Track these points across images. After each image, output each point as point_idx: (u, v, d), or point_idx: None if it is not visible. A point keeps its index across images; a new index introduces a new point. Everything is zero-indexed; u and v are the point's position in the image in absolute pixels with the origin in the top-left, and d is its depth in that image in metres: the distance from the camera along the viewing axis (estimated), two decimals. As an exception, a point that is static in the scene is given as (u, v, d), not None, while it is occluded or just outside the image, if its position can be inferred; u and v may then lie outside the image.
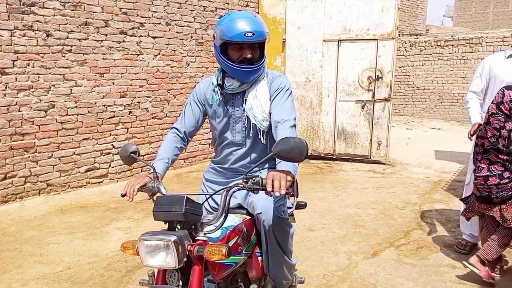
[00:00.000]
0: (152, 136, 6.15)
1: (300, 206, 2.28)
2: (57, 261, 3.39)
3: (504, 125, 2.80)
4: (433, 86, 12.57)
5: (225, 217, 1.64)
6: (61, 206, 4.76)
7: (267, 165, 2.14)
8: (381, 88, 6.66)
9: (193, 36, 6.51)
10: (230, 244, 1.75)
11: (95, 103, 5.44)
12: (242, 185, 1.61)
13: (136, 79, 5.85)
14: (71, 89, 5.19)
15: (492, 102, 2.91)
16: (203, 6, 6.59)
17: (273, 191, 1.53)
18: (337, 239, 3.83)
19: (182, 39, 6.36)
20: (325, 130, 7.09)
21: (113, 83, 5.59)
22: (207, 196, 2.07)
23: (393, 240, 3.82)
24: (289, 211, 2.16)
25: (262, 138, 2.09)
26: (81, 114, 5.32)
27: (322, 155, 7.17)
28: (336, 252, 3.54)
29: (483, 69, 3.50)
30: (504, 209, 2.88)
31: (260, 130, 2.07)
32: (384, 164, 6.87)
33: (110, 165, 5.70)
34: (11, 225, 4.18)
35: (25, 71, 4.80)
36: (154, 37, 5.97)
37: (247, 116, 2.06)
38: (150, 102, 6.06)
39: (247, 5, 7.25)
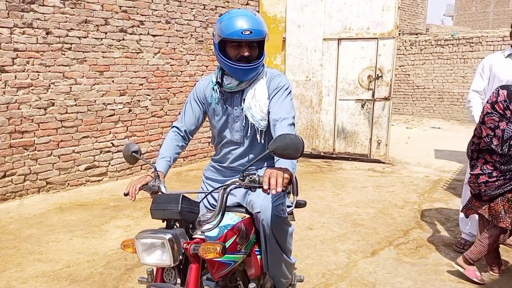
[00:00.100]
0: (151, 135, 6.15)
1: (300, 204, 2.28)
2: (56, 259, 3.39)
3: (498, 125, 2.81)
4: (433, 85, 12.56)
5: (222, 215, 1.63)
6: (61, 204, 4.76)
7: (265, 164, 2.14)
8: (381, 87, 6.66)
9: (193, 35, 6.50)
10: (229, 242, 1.75)
11: (95, 101, 5.44)
12: (239, 183, 1.60)
13: (136, 77, 5.85)
14: (70, 87, 5.19)
15: (487, 102, 2.92)
16: (203, 4, 6.58)
17: (269, 189, 1.52)
18: (337, 238, 3.83)
19: (182, 38, 6.35)
20: (325, 129, 7.09)
21: (112, 81, 5.59)
22: (207, 193, 2.07)
23: (393, 239, 3.82)
24: (288, 209, 2.16)
25: (259, 138, 2.09)
26: (80, 112, 5.31)
27: (322, 154, 7.17)
28: (335, 251, 3.54)
29: (483, 68, 3.51)
30: (492, 207, 2.92)
31: (258, 129, 2.07)
32: (383, 163, 6.87)
33: (109, 163, 5.69)
34: (10, 223, 4.18)
35: (25, 69, 4.79)
36: (154, 35, 5.97)
37: (245, 115, 2.06)
38: (149, 100, 6.05)
39: (247, 4, 7.24)
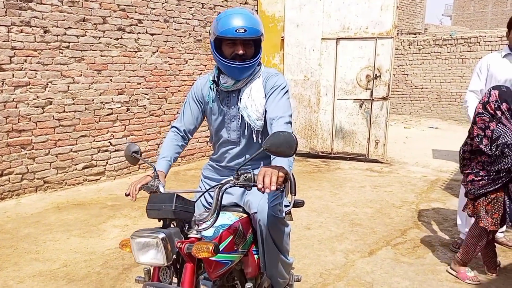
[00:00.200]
0: (149, 134, 6.14)
1: (298, 204, 2.28)
2: (53, 259, 3.39)
3: (488, 125, 2.83)
4: (431, 85, 12.58)
5: (218, 214, 1.63)
6: (58, 204, 4.74)
7: (262, 163, 2.14)
8: (379, 87, 6.66)
9: (192, 34, 6.49)
10: (225, 242, 1.75)
11: (93, 100, 5.42)
12: (233, 182, 1.60)
13: (134, 76, 5.83)
14: (68, 86, 5.17)
15: (479, 102, 2.94)
16: (202, 3, 6.57)
17: (264, 187, 1.51)
18: (334, 237, 3.83)
19: (181, 36, 6.34)
20: (323, 128, 7.09)
21: (110, 80, 5.57)
22: (202, 193, 2.06)
23: (390, 239, 3.82)
24: (286, 209, 2.16)
25: (255, 137, 2.08)
26: (78, 111, 5.30)
27: (320, 153, 7.17)
28: (333, 251, 3.55)
29: (480, 68, 3.53)
30: (475, 206, 2.96)
31: (254, 129, 2.07)
32: (381, 162, 6.88)
33: (107, 163, 5.68)
34: (7, 222, 4.17)
35: (22, 68, 4.78)
36: (152, 34, 5.95)
37: (241, 115, 2.06)
38: (148, 99, 6.04)
39: (245, 3, 7.23)
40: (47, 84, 4.99)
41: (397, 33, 12.65)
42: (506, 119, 2.77)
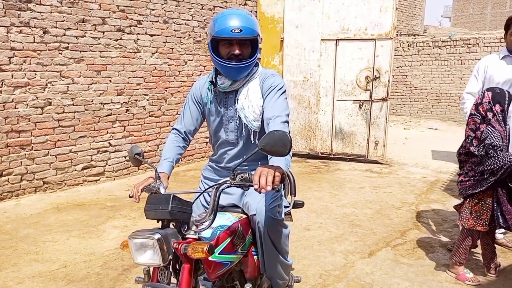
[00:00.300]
0: (149, 134, 6.14)
1: (298, 205, 2.28)
2: (53, 259, 3.38)
3: (479, 127, 2.85)
4: (431, 86, 12.59)
5: (215, 214, 1.63)
6: (57, 204, 4.74)
7: (259, 164, 2.14)
8: (379, 88, 6.66)
9: (191, 34, 6.50)
10: (224, 243, 1.75)
11: (92, 101, 5.42)
12: (229, 182, 1.60)
13: (133, 77, 5.83)
14: (67, 87, 5.17)
15: (473, 103, 2.96)
16: (201, 4, 6.57)
17: (260, 187, 1.51)
18: (334, 238, 3.83)
19: (180, 37, 6.35)
20: (323, 129, 7.09)
21: (110, 80, 5.57)
22: (200, 193, 2.06)
23: (390, 239, 3.82)
24: (286, 210, 2.16)
25: (253, 138, 2.08)
26: (77, 111, 5.30)
27: (320, 154, 7.17)
28: (332, 252, 3.54)
29: (478, 70, 3.54)
30: (464, 206, 3.00)
31: (251, 130, 2.06)
32: (381, 163, 6.88)
33: (107, 163, 5.68)
34: (6, 223, 4.16)
35: (22, 68, 4.77)
36: (151, 35, 5.95)
37: (239, 116, 2.06)
38: (147, 100, 6.04)
39: (245, 4, 7.24)
40: (47, 85, 4.99)
41: (397, 35, 12.67)
42: (497, 121, 2.78)
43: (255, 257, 2.08)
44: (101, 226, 4.10)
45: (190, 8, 6.43)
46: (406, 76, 12.98)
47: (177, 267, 1.60)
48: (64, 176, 5.27)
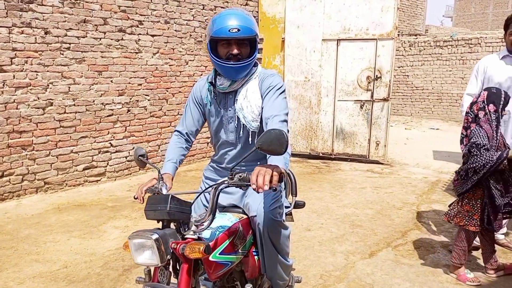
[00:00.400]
0: (150, 135, 6.14)
1: (298, 205, 2.28)
2: (53, 260, 3.38)
3: (469, 125, 2.89)
4: (432, 86, 12.57)
5: (214, 214, 1.63)
6: (59, 205, 4.75)
7: (258, 164, 2.13)
8: (380, 88, 6.66)
9: (192, 35, 6.50)
10: (223, 245, 1.75)
11: (93, 101, 5.43)
12: (228, 182, 1.60)
13: (135, 77, 5.84)
14: (69, 87, 5.18)
15: (470, 102, 3.00)
16: (202, 5, 6.57)
17: (257, 187, 1.50)
18: (335, 239, 3.83)
19: (181, 38, 6.35)
20: (324, 129, 7.08)
21: (111, 81, 5.58)
22: (199, 194, 2.07)
23: (391, 240, 3.82)
24: (287, 210, 2.16)
25: (251, 139, 2.08)
26: (79, 112, 5.31)
27: (321, 154, 7.17)
28: (333, 252, 3.54)
29: (478, 70, 3.53)
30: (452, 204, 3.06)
31: (250, 130, 2.06)
32: (382, 164, 6.87)
33: (108, 164, 5.69)
34: (8, 223, 4.17)
35: (23, 69, 4.78)
36: (153, 35, 5.96)
37: (237, 117, 2.06)
38: (148, 100, 6.05)
39: (246, 4, 7.24)
40: (48, 85, 5.00)
41: (398, 35, 12.66)
42: (487, 120, 2.80)
43: (255, 257, 2.08)
44: (102, 227, 4.10)
45: (191, 9, 6.43)
46: (408, 76, 12.97)
47: (178, 267, 1.61)
48: (65, 177, 5.28)
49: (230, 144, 2.14)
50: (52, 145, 5.11)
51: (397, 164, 6.91)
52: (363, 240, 3.81)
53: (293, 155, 7.12)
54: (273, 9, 7.19)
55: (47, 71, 4.97)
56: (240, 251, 1.89)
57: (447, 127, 11.43)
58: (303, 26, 6.91)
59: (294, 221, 2.56)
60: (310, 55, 6.95)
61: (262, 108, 2.01)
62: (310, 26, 6.87)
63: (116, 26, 5.53)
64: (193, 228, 1.62)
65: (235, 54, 1.94)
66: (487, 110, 2.81)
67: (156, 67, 6.08)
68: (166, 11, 6.08)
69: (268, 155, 1.79)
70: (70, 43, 5.12)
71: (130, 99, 5.82)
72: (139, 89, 5.91)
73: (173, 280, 1.62)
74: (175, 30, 6.25)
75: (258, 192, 1.51)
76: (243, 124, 2.06)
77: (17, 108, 4.78)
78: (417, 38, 13.07)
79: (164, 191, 1.79)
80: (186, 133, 2.19)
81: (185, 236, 1.61)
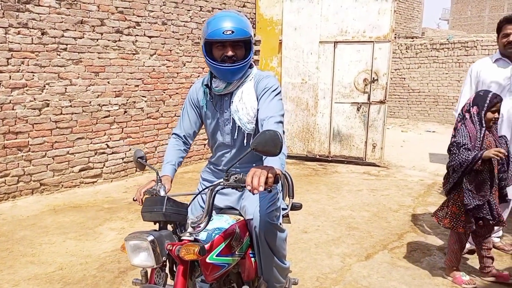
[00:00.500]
0: (147, 136, 6.13)
1: (295, 207, 2.29)
2: (49, 262, 3.37)
3: (456, 126, 2.94)
4: (428, 89, 12.62)
5: (210, 216, 1.63)
6: (54, 206, 4.72)
7: (254, 165, 2.14)
8: (377, 91, 6.67)
9: (190, 36, 6.50)
10: (220, 248, 1.75)
11: (90, 102, 5.41)
12: (223, 183, 1.60)
13: (132, 79, 5.83)
14: (65, 88, 5.16)
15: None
16: (200, 6, 6.57)
17: (252, 188, 1.50)
18: (331, 241, 3.83)
19: (179, 39, 6.35)
20: (321, 131, 7.09)
21: (108, 82, 5.57)
22: (195, 195, 2.07)
23: (387, 242, 3.82)
24: (284, 212, 2.16)
25: (246, 141, 2.08)
26: (75, 113, 5.29)
27: (317, 156, 7.17)
28: (329, 255, 3.54)
29: (471, 75, 3.53)
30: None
31: (245, 132, 2.06)
32: (378, 166, 6.89)
33: (104, 165, 5.67)
34: (3, 224, 4.15)
35: (20, 69, 4.77)
36: (150, 37, 5.95)
37: (233, 118, 2.06)
38: (145, 101, 6.04)
39: (243, 6, 7.24)
40: (44, 86, 4.98)
41: (395, 37, 12.71)
42: (472, 122, 2.83)
43: (252, 259, 2.08)
44: (98, 228, 4.09)
45: (189, 10, 6.43)
46: (404, 78, 13.01)
47: (174, 269, 1.61)
48: (61, 178, 5.26)
49: (227, 146, 2.14)
50: (48, 146, 5.09)
51: (393, 167, 6.93)
52: (360, 242, 3.81)
53: (290, 157, 7.12)
54: (270, 11, 7.20)
55: (44, 72, 4.95)
56: (237, 253, 1.89)
57: (443, 129, 11.47)
58: (300, 28, 6.93)
59: (291, 223, 2.56)
60: (307, 57, 6.96)
61: (257, 110, 2.01)
62: (308, 28, 6.88)
63: (113, 27, 5.52)
64: (190, 229, 1.62)
65: (230, 56, 1.94)
66: (472, 112, 2.85)
67: (153, 69, 6.07)
68: (163, 12, 6.08)
69: (264, 157, 1.79)
70: (67, 44, 5.10)
71: (127, 100, 5.81)
72: (136, 91, 5.90)
73: (169, 281, 1.62)
74: (173, 32, 6.24)
75: (253, 194, 1.50)
76: (239, 126, 2.06)
77: (13, 109, 4.76)
78: (413, 40, 13.12)
79: (162, 193, 1.79)
80: (184, 135, 2.20)
81: (182, 238, 1.61)
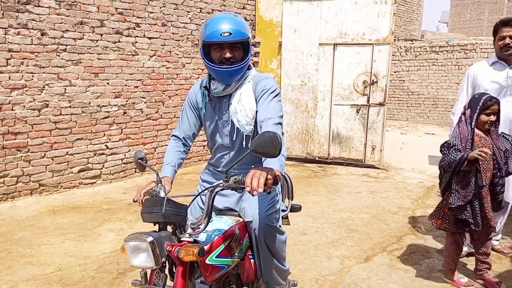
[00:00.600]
0: (146, 137, 6.13)
1: (295, 209, 2.29)
2: (48, 263, 3.36)
3: (453, 127, 3.00)
4: (428, 92, 12.64)
5: (209, 217, 1.63)
6: (53, 207, 4.72)
7: (253, 167, 2.14)
8: (376, 93, 6.68)
9: (189, 38, 6.50)
10: (219, 249, 1.75)
11: (89, 103, 5.41)
12: (223, 184, 1.60)
13: (131, 80, 5.83)
14: (65, 89, 5.16)
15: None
16: (200, 8, 6.58)
17: (251, 190, 1.50)
18: (330, 243, 3.83)
19: (178, 40, 6.35)
20: (320, 133, 7.10)
21: (107, 83, 5.57)
22: (195, 196, 2.07)
23: (386, 245, 3.82)
24: (283, 213, 2.16)
25: (245, 143, 2.08)
26: (75, 114, 5.28)
27: (317, 158, 7.17)
28: (329, 257, 3.54)
29: (468, 78, 3.52)
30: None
31: (244, 134, 2.06)
32: (378, 168, 6.89)
33: (103, 166, 5.66)
34: (1, 225, 4.14)
35: (19, 70, 4.76)
36: (150, 38, 5.95)
37: (232, 120, 2.06)
38: (145, 103, 6.03)
39: (243, 7, 7.25)
40: (44, 87, 4.98)
41: (394, 40, 12.72)
42: (465, 123, 2.86)
43: (252, 260, 2.08)
44: (97, 229, 4.08)
45: (189, 11, 6.44)
46: (404, 81, 13.03)
47: (174, 270, 1.61)
48: (60, 179, 5.25)
49: (226, 148, 2.14)
50: (48, 147, 5.08)
51: (392, 169, 6.93)
52: (359, 244, 3.81)
53: (289, 158, 7.12)
54: (270, 13, 7.21)
55: (43, 72, 4.95)
56: (236, 254, 1.89)
57: (443, 132, 11.48)
58: (300, 30, 6.93)
59: (290, 225, 2.55)
60: (306, 59, 6.97)
61: (256, 112, 2.01)
62: (307, 30, 6.89)
63: (113, 28, 5.52)
64: (189, 230, 1.62)
65: (228, 57, 1.94)
66: (467, 114, 2.87)
67: (153, 70, 6.07)
68: (163, 13, 6.08)
69: (263, 158, 1.79)
70: (66, 45, 5.10)
71: (127, 101, 5.81)
72: (136, 92, 5.90)
73: (169, 283, 1.62)
74: (172, 33, 6.25)
75: (252, 195, 1.50)
76: (237, 127, 2.06)
77: (12, 110, 4.75)
78: (413, 43, 13.14)
79: (162, 194, 1.79)
80: (183, 137, 2.20)
81: (181, 239, 1.61)
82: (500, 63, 3.39)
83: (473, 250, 3.27)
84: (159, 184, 1.82)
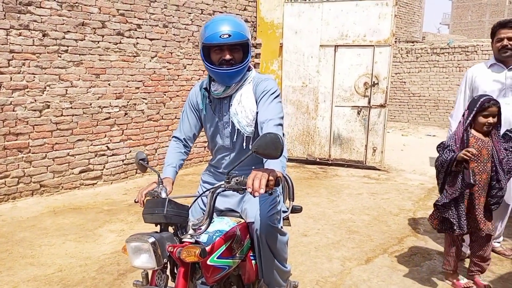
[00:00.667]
0: (147, 138, 6.13)
1: (296, 210, 2.29)
2: (48, 263, 3.36)
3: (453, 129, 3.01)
4: (429, 93, 12.64)
5: (211, 218, 1.63)
6: (54, 208, 4.72)
7: (253, 167, 2.14)
8: (377, 94, 6.68)
9: (190, 39, 6.51)
10: (220, 250, 1.75)
11: (91, 104, 5.41)
12: (224, 185, 1.60)
13: (132, 81, 5.83)
14: (66, 90, 5.17)
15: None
16: (201, 9, 6.59)
17: (253, 191, 1.50)
18: (331, 244, 3.82)
19: (179, 42, 6.36)
20: (321, 135, 7.09)
21: (109, 84, 5.57)
22: (196, 198, 2.07)
23: (387, 246, 3.81)
24: (284, 215, 2.15)
25: (245, 144, 2.08)
26: (76, 115, 5.29)
27: (318, 160, 7.17)
28: (329, 258, 3.53)
29: (466, 80, 3.51)
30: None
31: (244, 135, 2.06)
32: (379, 170, 6.88)
33: (104, 167, 5.66)
34: (2, 226, 4.14)
35: (21, 71, 4.77)
36: (151, 39, 5.96)
37: (232, 122, 2.06)
38: (146, 104, 6.04)
39: (245, 9, 7.26)
40: (45, 88, 4.99)
41: (395, 41, 12.72)
42: (462, 125, 2.87)
43: (253, 261, 2.08)
44: (98, 230, 4.08)
45: (190, 13, 6.45)
46: (405, 82, 13.03)
47: (175, 271, 1.61)
48: (61, 180, 5.25)
49: (227, 149, 2.15)
50: (49, 148, 5.09)
51: (393, 170, 6.93)
52: (360, 246, 3.80)
53: (290, 160, 7.12)
54: (271, 15, 7.22)
55: (45, 73, 4.96)
56: (237, 255, 1.89)
57: (444, 133, 11.46)
58: (301, 31, 6.94)
59: (291, 226, 2.55)
60: (307, 60, 6.98)
61: (256, 113, 2.01)
62: (308, 31, 6.90)
63: (114, 30, 5.53)
64: (191, 231, 1.62)
65: (228, 59, 1.95)
66: (465, 116, 2.89)
67: (154, 71, 6.08)
68: (164, 15, 6.09)
69: (264, 159, 1.79)
70: (68, 46, 5.11)
71: (128, 102, 5.81)
72: (137, 93, 5.91)
73: (170, 283, 1.62)
74: (174, 34, 6.25)
75: (254, 196, 1.50)
76: (238, 129, 2.06)
77: (13, 110, 4.76)
78: (414, 45, 13.15)
79: (164, 195, 1.79)
80: (184, 138, 2.20)
81: (183, 240, 1.61)
82: (498, 65, 3.38)
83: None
84: (160, 185, 1.83)
